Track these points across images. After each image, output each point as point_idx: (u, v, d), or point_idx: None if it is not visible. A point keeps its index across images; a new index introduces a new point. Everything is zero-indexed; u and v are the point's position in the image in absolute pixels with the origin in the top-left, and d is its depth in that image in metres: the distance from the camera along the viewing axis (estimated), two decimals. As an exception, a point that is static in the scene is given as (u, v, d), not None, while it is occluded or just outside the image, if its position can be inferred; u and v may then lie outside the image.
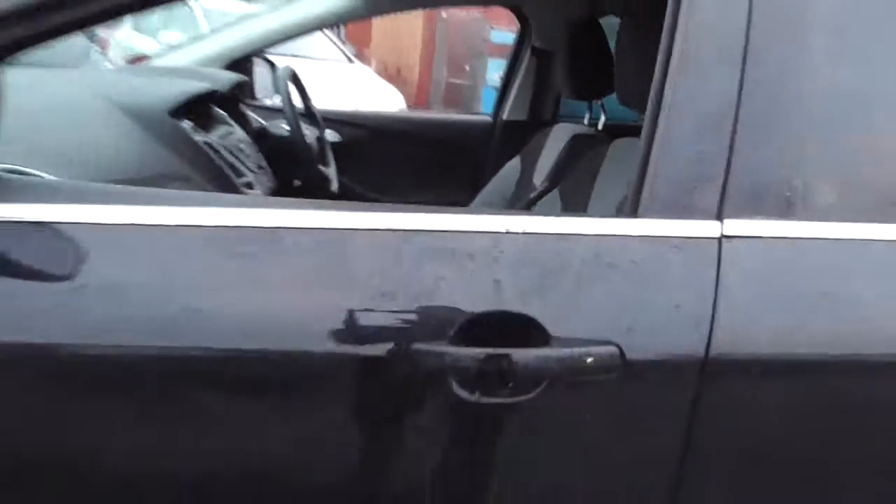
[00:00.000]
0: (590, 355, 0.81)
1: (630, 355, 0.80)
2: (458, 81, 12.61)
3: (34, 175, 1.19)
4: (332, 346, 0.79)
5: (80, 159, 1.29)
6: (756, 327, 0.84)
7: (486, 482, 0.87)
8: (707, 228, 0.84)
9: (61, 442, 0.79)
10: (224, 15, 6.80)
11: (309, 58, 5.35)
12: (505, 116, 2.36)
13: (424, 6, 2.00)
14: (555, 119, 2.24)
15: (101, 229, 0.78)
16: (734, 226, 0.84)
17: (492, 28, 9.75)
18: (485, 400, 0.81)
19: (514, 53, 2.38)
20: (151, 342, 0.77)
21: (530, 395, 0.80)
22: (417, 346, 0.79)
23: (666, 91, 0.86)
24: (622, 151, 1.30)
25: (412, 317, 0.80)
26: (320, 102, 2.11)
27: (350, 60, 7.12)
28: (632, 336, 0.81)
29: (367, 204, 1.15)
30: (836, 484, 0.93)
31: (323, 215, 0.82)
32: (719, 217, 0.84)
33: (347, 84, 5.78)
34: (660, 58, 0.87)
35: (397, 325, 0.80)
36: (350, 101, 4.34)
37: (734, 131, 0.84)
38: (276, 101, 1.91)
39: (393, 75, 11.85)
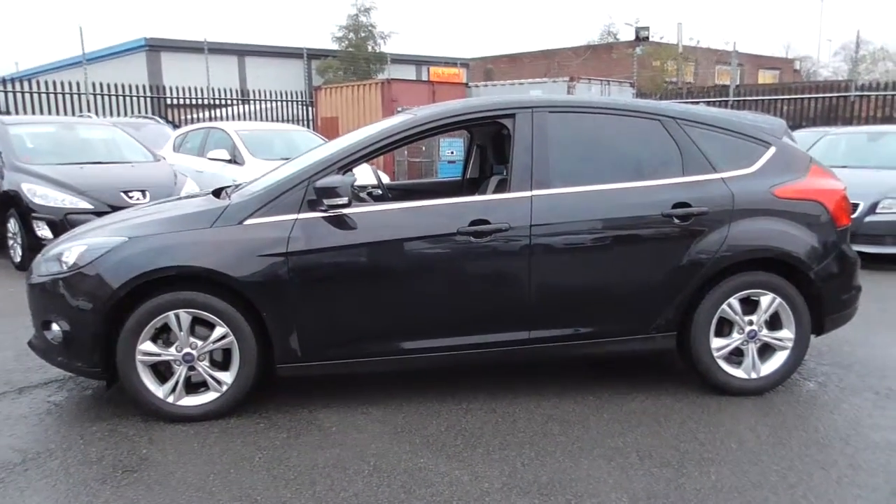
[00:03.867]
0: (499, 226, 3.31)
1: (512, 224, 3.31)
2: (416, 160, 15.47)
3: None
4: (429, 235, 3.31)
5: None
6: (540, 216, 3.36)
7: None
8: (526, 193, 3.38)
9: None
10: (252, 136, 9.30)
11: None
12: (468, 176, 4.93)
13: (417, 141, 4.57)
14: (491, 174, 4.79)
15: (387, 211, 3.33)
16: (537, 193, 3.37)
17: (441, 117, 12.39)
18: (477, 240, 3.30)
19: (467, 149, 4.99)
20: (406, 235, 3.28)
21: (488, 238, 3.30)
22: (459, 230, 3.29)
23: (514, 161, 3.40)
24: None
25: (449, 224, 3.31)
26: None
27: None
28: (516, 220, 3.32)
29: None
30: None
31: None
32: (531, 189, 3.37)
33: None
34: (512, 150, 3.43)
35: (449, 230, 3.30)
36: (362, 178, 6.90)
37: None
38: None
39: (364, 161, 14.49)
